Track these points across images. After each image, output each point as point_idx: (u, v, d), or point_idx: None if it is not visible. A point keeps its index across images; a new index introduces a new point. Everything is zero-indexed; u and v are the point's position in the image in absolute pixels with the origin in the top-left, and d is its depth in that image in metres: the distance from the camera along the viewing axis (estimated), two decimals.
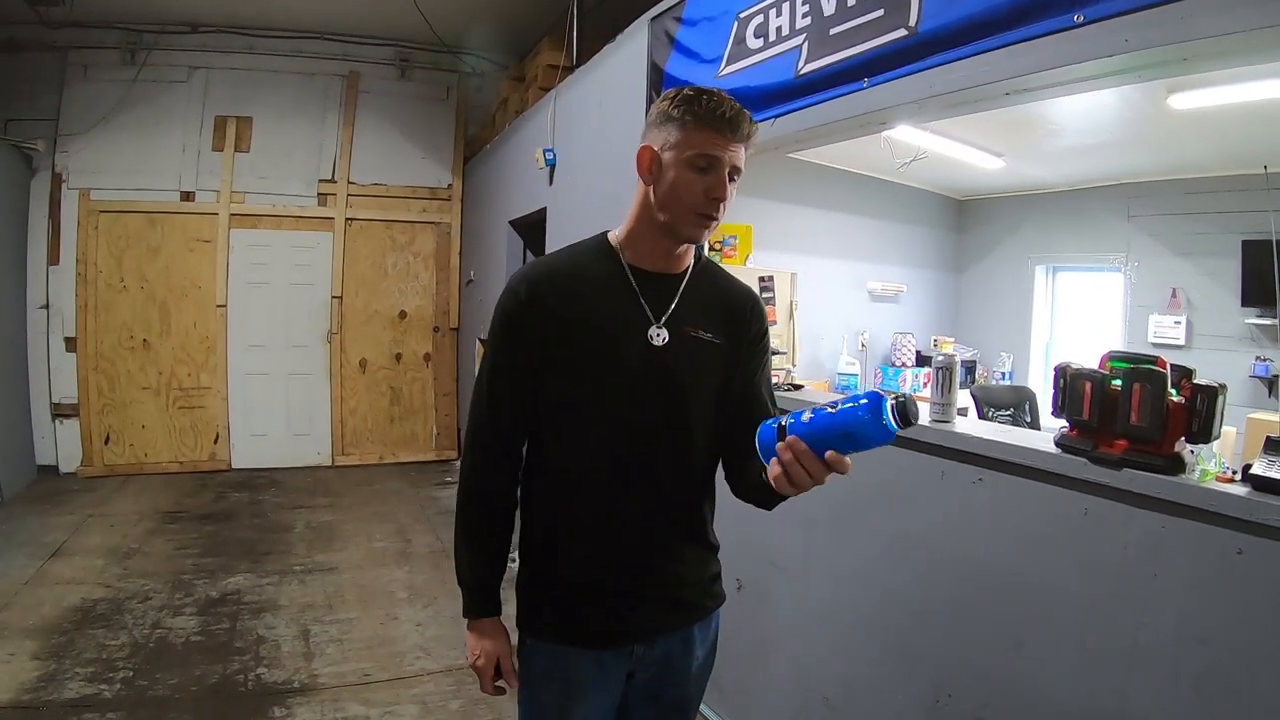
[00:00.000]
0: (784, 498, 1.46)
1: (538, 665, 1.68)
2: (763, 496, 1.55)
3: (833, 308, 5.45)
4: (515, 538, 1.74)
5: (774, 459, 1.34)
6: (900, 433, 1.26)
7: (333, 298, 7.90)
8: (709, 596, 1.77)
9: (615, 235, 1.66)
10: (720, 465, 1.73)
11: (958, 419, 2.43)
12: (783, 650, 3.06)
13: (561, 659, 1.65)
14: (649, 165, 1.56)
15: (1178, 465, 1.76)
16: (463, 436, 1.67)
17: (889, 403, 1.24)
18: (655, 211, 1.56)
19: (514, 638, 1.73)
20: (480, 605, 1.71)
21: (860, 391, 1.31)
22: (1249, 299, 4.81)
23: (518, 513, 1.72)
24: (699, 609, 1.75)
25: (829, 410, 1.29)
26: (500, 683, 1.74)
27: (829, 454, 1.27)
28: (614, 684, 1.70)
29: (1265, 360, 4.78)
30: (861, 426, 1.25)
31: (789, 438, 1.31)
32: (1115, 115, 4.04)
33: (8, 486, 6.29)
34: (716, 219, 1.55)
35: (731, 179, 1.53)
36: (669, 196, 1.53)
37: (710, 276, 1.71)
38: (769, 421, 1.38)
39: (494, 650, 1.70)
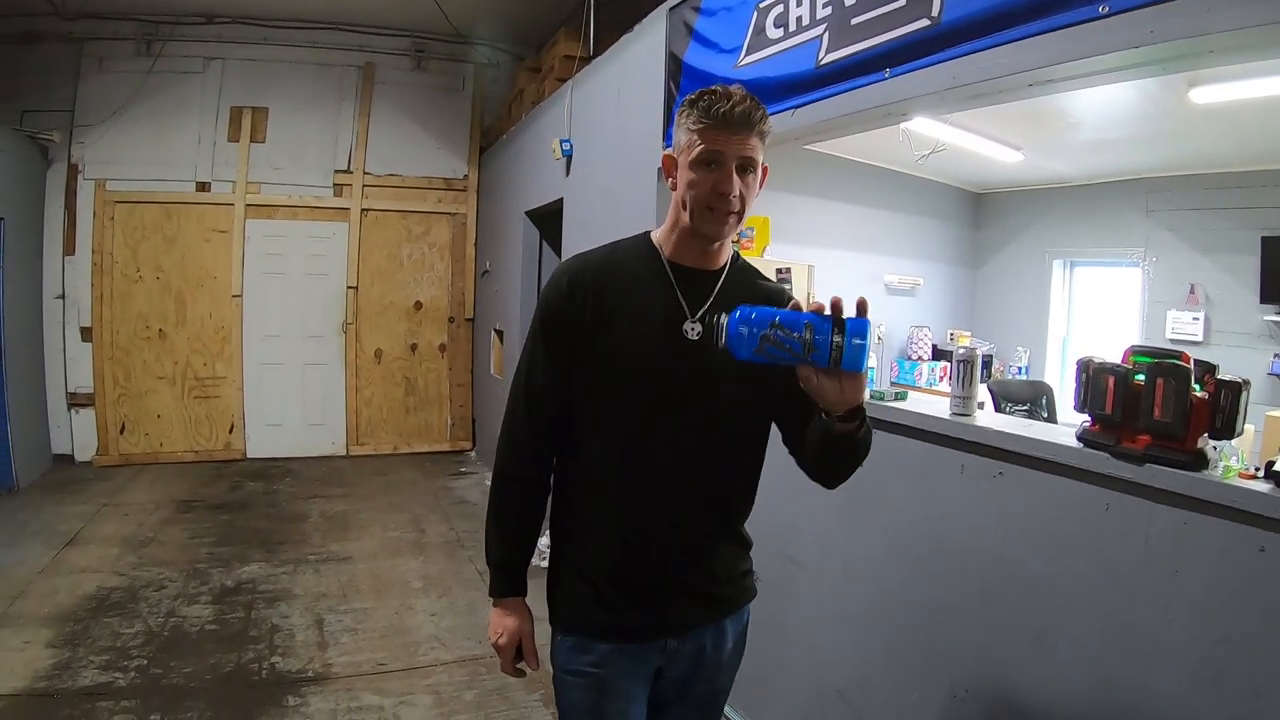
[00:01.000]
0: (853, 449, 1.49)
1: (568, 660, 1.70)
2: (831, 458, 1.56)
3: (849, 300, 5.44)
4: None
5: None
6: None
7: (348, 288, 7.91)
8: (741, 591, 1.78)
9: (656, 235, 1.70)
10: (790, 449, 1.71)
11: (977, 412, 2.41)
12: (798, 644, 3.05)
13: (592, 653, 1.67)
14: (670, 170, 1.63)
15: (1201, 461, 1.74)
16: (496, 425, 1.73)
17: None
18: (681, 213, 1.60)
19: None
20: (506, 585, 1.75)
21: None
22: (1268, 296, 4.79)
23: (549, 500, 1.75)
24: (731, 603, 1.76)
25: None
26: (521, 664, 1.78)
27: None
28: (646, 678, 1.72)
29: None
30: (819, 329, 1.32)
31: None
32: (1135, 109, 4.02)
33: (24, 476, 6.32)
34: (733, 213, 1.57)
35: (746, 171, 1.55)
36: (686, 196, 1.57)
37: (748, 275, 1.73)
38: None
39: (517, 630, 1.75)
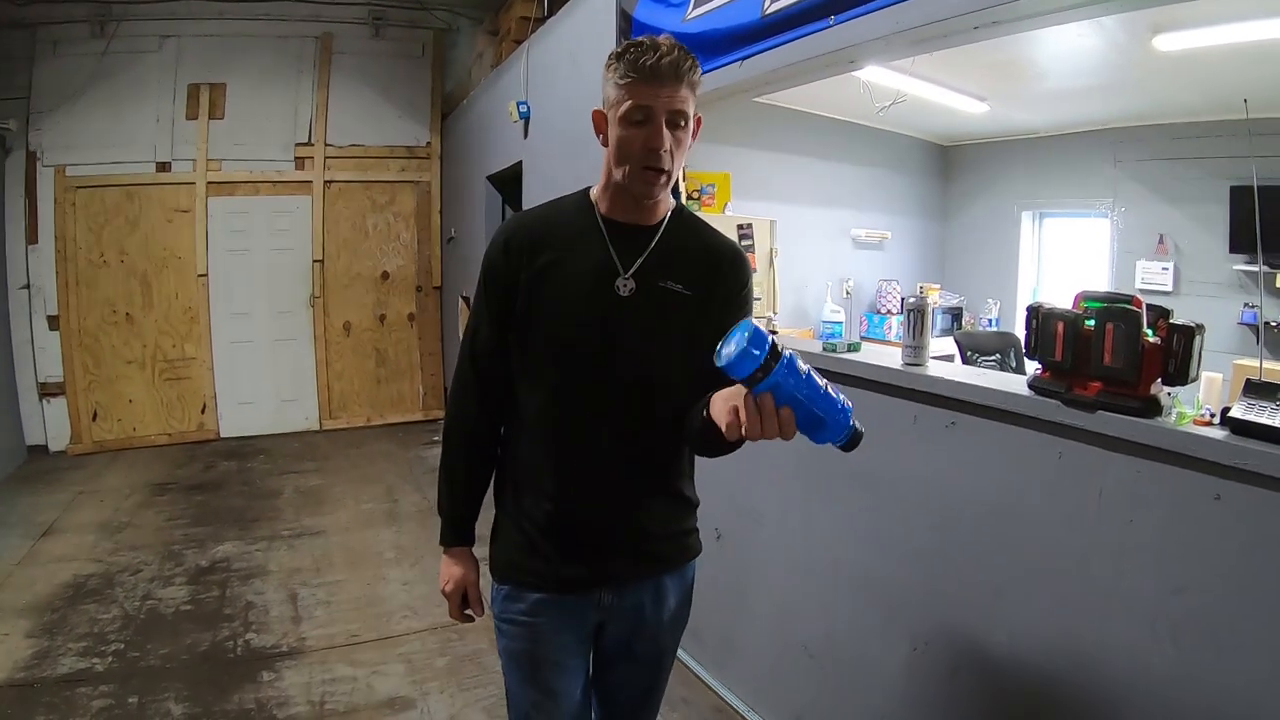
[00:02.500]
0: (728, 450, 1.49)
1: (503, 608, 1.72)
2: (706, 448, 1.54)
3: (816, 255, 5.43)
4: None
5: (740, 404, 1.23)
6: (840, 448, 1.31)
7: (314, 261, 7.82)
8: (680, 549, 1.79)
9: (594, 190, 1.69)
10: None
11: (931, 362, 2.40)
12: (762, 600, 3.07)
13: (525, 602, 1.69)
14: (602, 126, 1.61)
15: (1153, 408, 1.72)
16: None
17: (856, 423, 1.28)
18: (614, 170, 1.59)
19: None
20: (454, 535, 1.81)
21: (841, 399, 1.26)
22: (1237, 245, 4.78)
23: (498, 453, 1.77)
24: (668, 561, 1.76)
25: (820, 383, 1.25)
26: (469, 611, 1.86)
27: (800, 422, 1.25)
28: (583, 632, 1.74)
29: (1254, 307, 4.74)
30: (834, 423, 1.27)
31: (775, 393, 1.22)
32: (1100, 58, 3.99)
33: None
34: (664, 170, 1.54)
35: (678, 126, 1.53)
36: (617, 154, 1.56)
37: (689, 228, 1.71)
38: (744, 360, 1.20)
39: (463, 578, 1.81)
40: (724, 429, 1.26)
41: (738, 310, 1.68)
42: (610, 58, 1.55)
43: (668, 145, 1.52)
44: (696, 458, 1.77)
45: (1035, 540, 1.99)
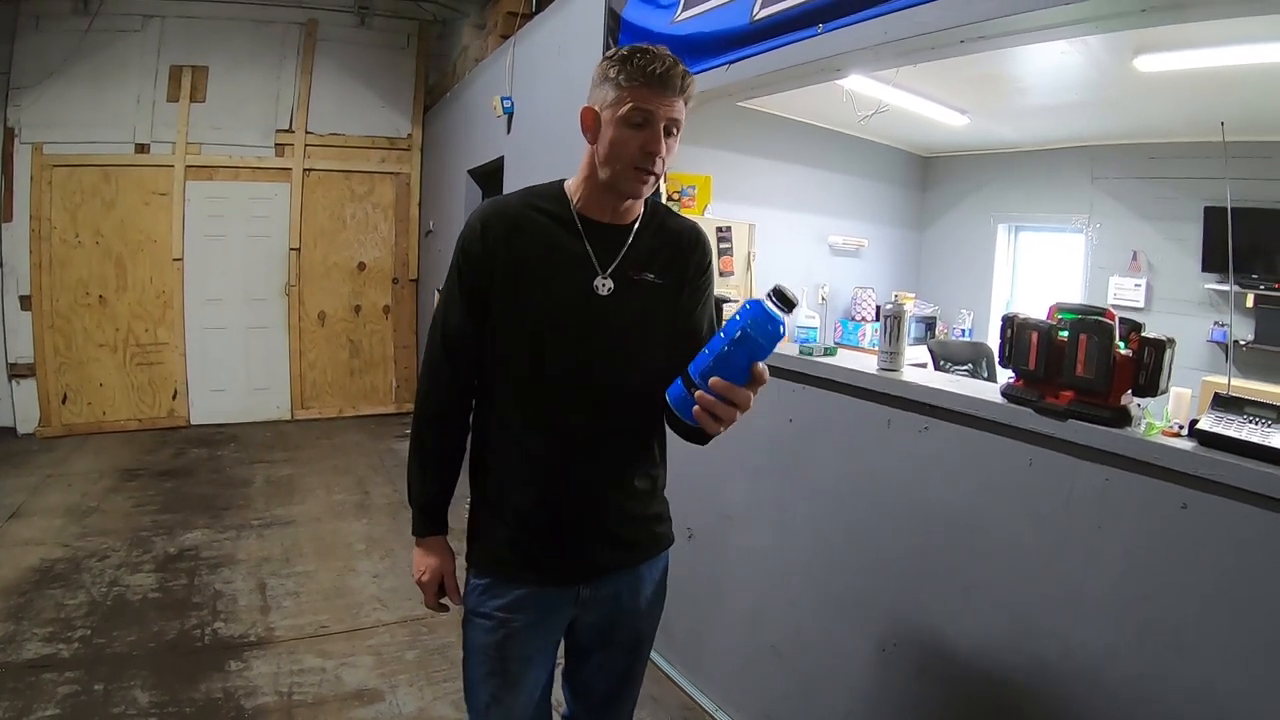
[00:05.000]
0: (709, 438, 1.54)
1: (478, 602, 1.72)
2: (698, 436, 1.59)
3: (793, 260, 5.46)
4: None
5: (694, 408, 1.39)
6: (788, 315, 1.35)
7: (291, 250, 7.78)
8: (654, 537, 1.81)
9: (570, 184, 1.69)
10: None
11: (906, 369, 2.43)
12: (733, 600, 3.09)
13: (504, 597, 1.69)
14: (591, 124, 1.61)
15: (1123, 418, 1.76)
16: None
17: (766, 295, 1.33)
18: (598, 169, 1.61)
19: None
20: (427, 524, 1.80)
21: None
22: (1210, 265, 4.86)
23: (469, 439, 1.78)
24: (643, 548, 1.79)
25: (719, 335, 1.36)
26: (444, 600, 1.84)
27: (751, 368, 1.36)
28: (555, 630, 1.76)
29: (1223, 325, 4.82)
30: (753, 327, 1.32)
31: (703, 380, 1.36)
32: (1081, 76, 4.04)
33: None
34: (655, 174, 1.59)
35: (670, 133, 1.57)
36: (609, 154, 1.57)
37: (658, 220, 1.73)
38: (674, 384, 1.43)
39: (439, 568, 1.80)
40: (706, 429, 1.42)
41: (701, 290, 1.74)
42: (612, 59, 1.57)
43: (664, 151, 1.56)
44: (668, 450, 1.80)
45: (1004, 544, 2.02)
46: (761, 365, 1.37)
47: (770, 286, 1.33)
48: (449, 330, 1.69)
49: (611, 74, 1.55)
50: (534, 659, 1.73)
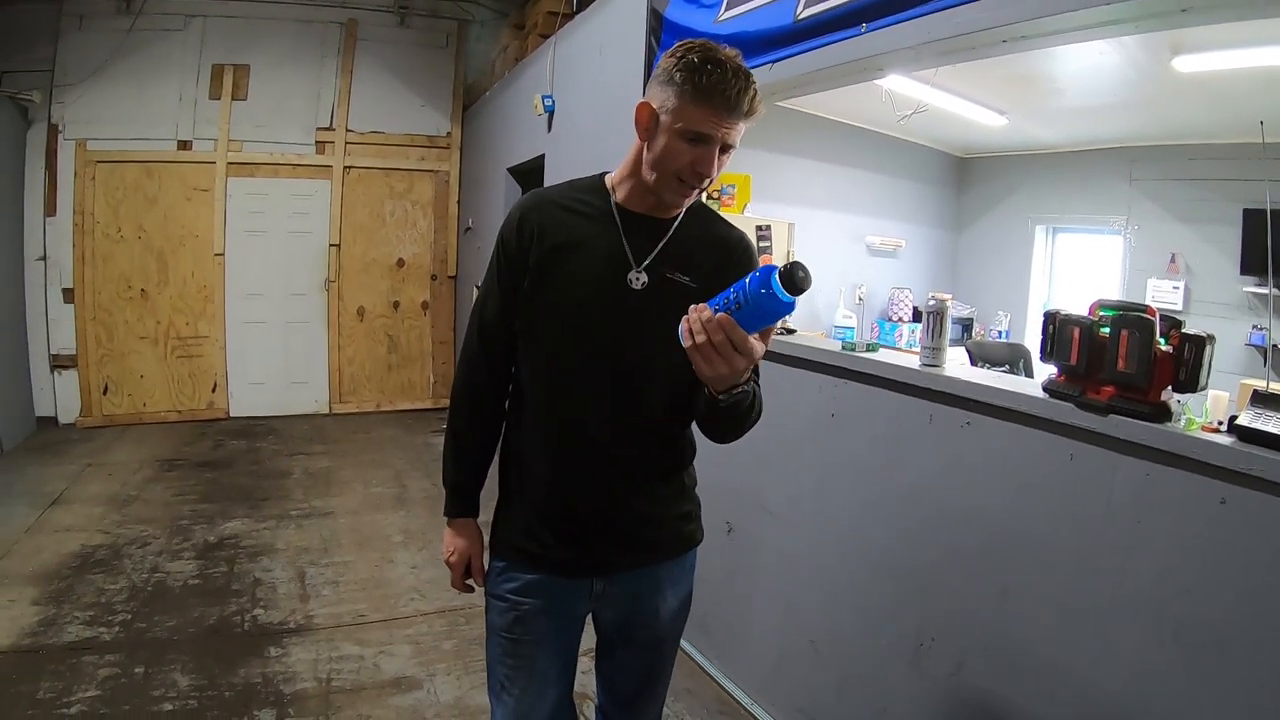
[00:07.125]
0: (727, 419, 1.50)
1: (495, 584, 1.76)
2: (709, 423, 1.59)
3: (830, 260, 5.45)
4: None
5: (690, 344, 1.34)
6: (795, 298, 1.28)
7: (330, 246, 7.87)
8: (678, 538, 1.80)
9: (611, 177, 1.68)
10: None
11: (948, 364, 2.44)
12: (770, 595, 3.09)
13: (516, 581, 1.72)
14: (646, 123, 1.55)
15: (1164, 413, 1.76)
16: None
17: (778, 271, 1.26)
18: (645, 169, 1.57)
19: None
20: (458, 505, 1.84)
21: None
22: (1248, 267, 4.80)
23: (503, 426, 1.79)
24: (663, 549, 1.78)
25: (725, 292, 1.32)
26: (470, 580, 1.87)
27: (734, 328, 1.29)
28: (571, 615, 1.77)
29: (1262, 329, 4.77)
30: (755, 298, 1.27)
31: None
32: (1119, 76, 4.01)
33: (7, 438, 6.30)
34: (699, 189, 1.57)
35: (724, 153, 1.53)
36: (657, 161, 1.53)
37: (701, 221, 1.71)
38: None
39: (466, 549, 1.83)
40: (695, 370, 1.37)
41: None
42: (684, 63, 1.47)
43: (715, 171, 1.53)
44: (697, 450, 1.81)
45: (1044, 539, 2.02)
46: (758, 342, 1.34)
47: (788, 264, 1.26)
48: (486, 320, 1.71)
49: (679, 79, 1.47)
50: (546, 643, 1.72)
